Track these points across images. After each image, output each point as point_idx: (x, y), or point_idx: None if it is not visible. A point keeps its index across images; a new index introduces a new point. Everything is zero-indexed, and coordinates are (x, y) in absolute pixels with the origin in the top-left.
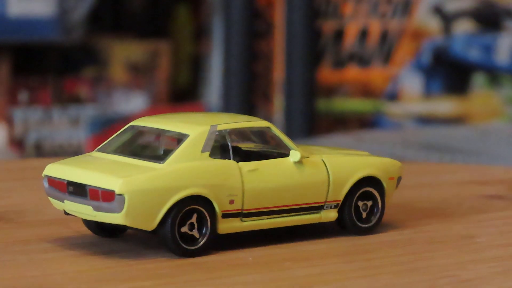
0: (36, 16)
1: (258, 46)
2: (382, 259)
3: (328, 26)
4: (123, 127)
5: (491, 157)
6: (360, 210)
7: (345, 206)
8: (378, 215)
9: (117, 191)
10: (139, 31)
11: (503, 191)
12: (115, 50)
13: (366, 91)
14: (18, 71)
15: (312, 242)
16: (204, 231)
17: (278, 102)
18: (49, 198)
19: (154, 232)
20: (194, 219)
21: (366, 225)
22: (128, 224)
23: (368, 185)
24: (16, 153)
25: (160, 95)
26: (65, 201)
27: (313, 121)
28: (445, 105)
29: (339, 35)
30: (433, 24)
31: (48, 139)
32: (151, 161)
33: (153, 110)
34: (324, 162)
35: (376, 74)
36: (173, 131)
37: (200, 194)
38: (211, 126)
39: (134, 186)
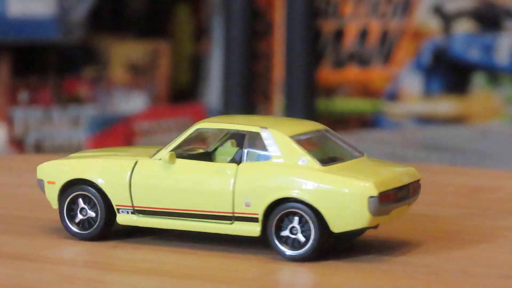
0: (36, 16)
1: (258, 46)
2: None
3: (328, 26)
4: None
5: (491, 157)
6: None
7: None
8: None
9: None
10: (139, 31)
11: None
12: (115, 50)
13: (366, 91)
14: (18, 71)
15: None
16: None
17: (278, 102)
18: (375, 217)
19: None
20: None
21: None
22: None
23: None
24: (16, 152)
25: (160, 95)
26: (392, 211)
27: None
28: (445, 105)
29: (339, 35)
30: (433, 24)
31: (48, 139)
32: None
33: (153, 110)
34: None
35: (376, 74)
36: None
37: None
38: None
39: None
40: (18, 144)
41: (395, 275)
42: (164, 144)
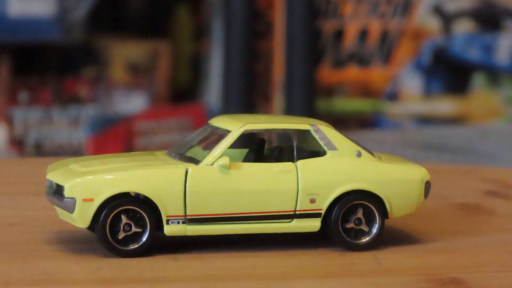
0: (36, 16)
1: (258, 46)
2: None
3: (328, 26)
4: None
5: (491, 157)
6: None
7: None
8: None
9: None
10: (139, 31)
11: None
12: (115, 50)
13: (366, 91)
14: (18, 71)
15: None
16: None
17: (278, 102)
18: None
19: None
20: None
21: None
22: None
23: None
24: (16, 153)
25: (160, 95)
26: None
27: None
28: (445, 105)
29: (339, 35)
30: (433, 24)
31: (48, 139)
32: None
33: (153, 110)
34: None
35: (376, 74)
36: None
37: None
38: None
39: None
40: (18, 144)
41: (477, 251)
42: (164, 145)
